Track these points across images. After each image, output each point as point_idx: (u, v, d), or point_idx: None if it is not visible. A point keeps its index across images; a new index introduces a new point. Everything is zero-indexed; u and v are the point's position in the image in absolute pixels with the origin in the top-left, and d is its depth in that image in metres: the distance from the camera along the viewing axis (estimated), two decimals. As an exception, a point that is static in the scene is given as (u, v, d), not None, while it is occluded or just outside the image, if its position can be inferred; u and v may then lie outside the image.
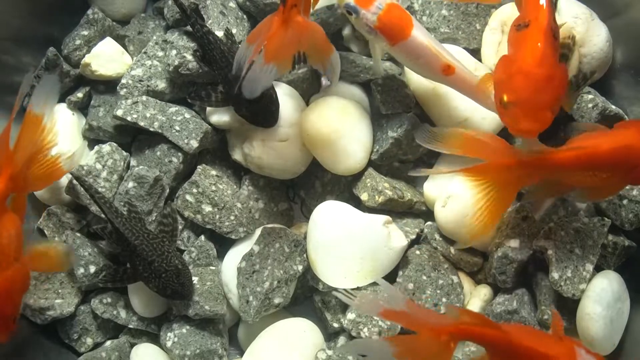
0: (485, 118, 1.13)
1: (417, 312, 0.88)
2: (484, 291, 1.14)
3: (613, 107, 1.13)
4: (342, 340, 1.12)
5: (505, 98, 0.89)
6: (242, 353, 1.15)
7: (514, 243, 1.10)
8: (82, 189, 1.11)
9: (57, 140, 1.05)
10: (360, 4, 0.99)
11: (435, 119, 1.18)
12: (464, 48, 1.19)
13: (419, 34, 0.99)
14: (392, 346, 0.88)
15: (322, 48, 0.98)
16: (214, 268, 1.15)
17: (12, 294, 0.96)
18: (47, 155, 1.05)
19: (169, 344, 1.11)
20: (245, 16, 1.22)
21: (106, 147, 1.16)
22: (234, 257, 1.14)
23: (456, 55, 1.14)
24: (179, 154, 1.15)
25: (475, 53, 1.19)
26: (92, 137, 1.21)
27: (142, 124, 1.14)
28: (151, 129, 1.14)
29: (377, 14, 0.98)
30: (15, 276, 0.96)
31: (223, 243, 1.18)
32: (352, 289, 1.10)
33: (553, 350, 0.85)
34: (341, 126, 1.12)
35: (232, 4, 1.21)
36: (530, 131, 0.89)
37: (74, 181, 1.12)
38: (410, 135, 1.15)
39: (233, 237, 1.15)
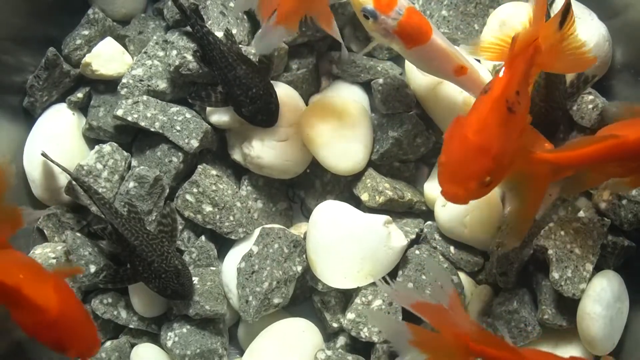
0: (485, 118, 1.14)
1: (451, 310, 0.87)
2: (484, 291, 1.14)
3: (614, 108, 1.13)
4: (341, 340, 1.13)
5: (441, 157, 0.88)
6: (242, 352, 1.15)
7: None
8: (81, 189, 1.10)
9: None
10: (380, 9, 0.98)
11: (435, 119, 1.18)
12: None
13: (437, 38, 1.00)
14: (411, 334, 0.88)
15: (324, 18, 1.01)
16: (214, 268, 1.15)
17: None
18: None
19: (169, 343, 1.11)
20: (245, 16, 1.22)
21: (107, 147, 1.16)
22: (234, 257, 1.14)
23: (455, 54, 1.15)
24: (179, 153, 1.15)
25: (475, 53, 1.19)
26: (92, 137, 1.20)
27: (142, 124, 1.14)
28: (152, 129, 1.14)
29: (397, 20, 0.98)
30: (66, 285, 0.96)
31: (223, 243, 1.18)
32: (355, 287, 1.11)
33: None
34: (341, 126, 1.13)
35: (232, 4, 1.21)
36: (452, 197, 0.86)
37: (73, 182, 1.11)
38: (410, 135, 1.15)
39: (233, 237, 1.15)
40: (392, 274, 1.12)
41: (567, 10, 0.85)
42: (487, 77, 1.08)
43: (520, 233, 1.02)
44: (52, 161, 1.11)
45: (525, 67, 0.89)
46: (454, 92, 1.13)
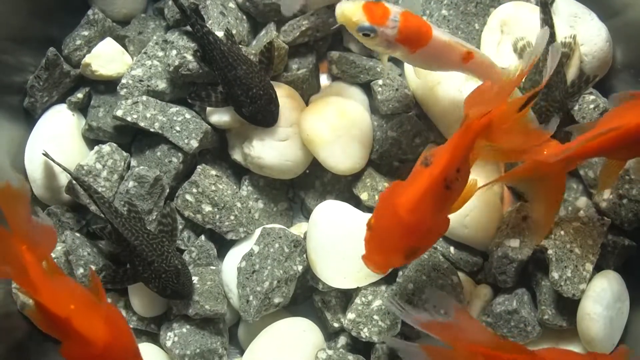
0: (485, 118, 1.14)
1: (461, 324, 0.87)
2: (484, 291, 1.14)
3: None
4: (342, 340, 1.13)
5: (371, 220, 0.89)
6: (242, 352, 1.15)
7: (514, 243, 1.10)
8: (81, 188, 1.11)
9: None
10: (376, 22, 0.95)
11: (435, 119, 1.18)
12: (464, 48, 1.19)
13: (438, 33, 0.99)
14: (426, 356, 0.89)
15: None
16: (214, 268, 1.15)
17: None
18: None
19: (169, 343, 1.11)
20: (244, 17, 1.22)
21: (106, 148, 1.16)
22: (235, 257, 1.14)
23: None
24: (179, 154, 1.16)
25: (475, 53, 1.19)
26: (92, 138, 1.21)
27: (142, 124, 1.14)
28: (152, 130, 1.14)
29: (396, 27, 0.95)
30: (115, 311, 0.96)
31: (223, 243, 1.18)
32: (354, 288, 1.11)
33: None
34: (341, 126, 1.13)
35: (232, 5, 1.21)
36: (374, 265, 0.87)
37: (74, 181, 1.12)
38: (409, 135, 1.15)
39: (233, 237, 1.15)
40: (393, 274, 1.12)
41: (531, 98, 0.87)
42: (491, 57, 1.08)
43: (545, 230, 1.04)
44: (53, 160, 1.11)
45: (471, 144, 0.89)
46: (453, 93, 1.13)
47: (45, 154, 1.11)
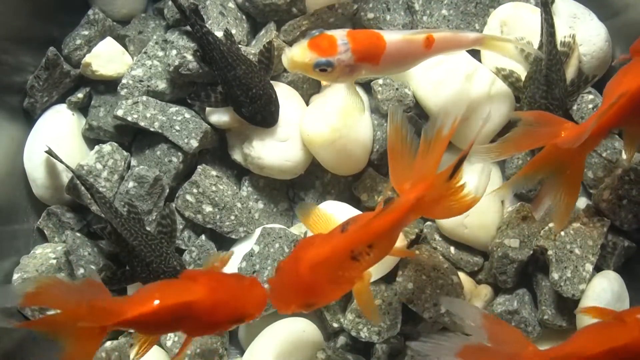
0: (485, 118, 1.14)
1: (496, 337, 0.86)
2: (485, 291, 1.14)
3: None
4: (341, 340, 1.13)
5: (280, 264, 0.89)
6: (242, 352, 1.15)
7: (514, 243, 1.10)
8: (82, 188, 1.11)
9: None
10: (328, 54, 0.93)
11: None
12: (464, 48, 1.19)
13: (390, 36, 0.98)
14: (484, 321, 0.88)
15: None
16: (214, 268, 1.15)
17: None
18: None
19: (169, 343, 1.11)
20: (244, 17, 1.22)
21: (106, 147, 1.16)
22: (235, 257, 1.14)
23: (456, 55, 1.15)
24: (179, 153, 1.16)
25: (475, 53, 1.19)
26: (92, 137, 1.21)
27: (142, 124, 1.14)
28: (151, 129, 1.14)
29: (349, 49, 0.94)
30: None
31: (223, 243, 1.18)
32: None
33: None
34: (341, 126, 1.12)
35: (232, 5, 1.21)
36: (278, 308, 0.89)
37: (75, 180, 1.12)
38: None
39: (233, 236, 1.16)
40: (393, 274, 1.12)
41: (458, 164, 0.86)
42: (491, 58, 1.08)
43: (567, 215, 1.03)
44: (56, 157, 1.10)
45: (396, 224, 0.88)
46: (453, 93, 1.13)
47: (49, 151, 1.11)
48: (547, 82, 1.09)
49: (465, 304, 0.95)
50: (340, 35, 0.94)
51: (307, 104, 1.20)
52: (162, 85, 1.18)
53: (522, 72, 1.16)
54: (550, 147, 0.98)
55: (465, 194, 0.90)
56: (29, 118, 1.20)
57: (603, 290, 1.06)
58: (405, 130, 0.91)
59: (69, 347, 0.86)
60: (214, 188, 1.15)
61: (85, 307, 0.85)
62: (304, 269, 0.86)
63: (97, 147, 1.16)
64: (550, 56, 1.09)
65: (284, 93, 1.17)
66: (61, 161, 1.11)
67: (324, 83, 1.20)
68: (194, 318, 0.88)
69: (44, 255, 1.13)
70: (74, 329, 0.85)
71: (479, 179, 0.99)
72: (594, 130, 0.93)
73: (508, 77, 1.16)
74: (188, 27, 1.16)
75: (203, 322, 0.90)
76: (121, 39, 1.23)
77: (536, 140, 0.99)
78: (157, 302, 0.86)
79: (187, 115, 1.16)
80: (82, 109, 1.23)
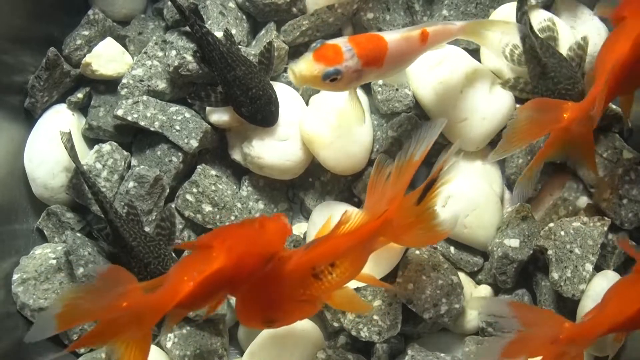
0: (485, 118, 1.14)
1: (529, 320, 0.87)
2: (485, 292, 1.14)
3: (614, 106, 1.13)
4: (342, 339, 1.12)
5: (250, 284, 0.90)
6: (242, 353, 1.15)
7: (514, 243, 1.10)
8: (82, 188, 1.10)
9: None
10: (335, 63, 0.93)
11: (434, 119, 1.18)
12: (464, 48, 1.19)
13: (390, 36, 0.98)
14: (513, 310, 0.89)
15: None
16: (214, 268, 1.15)
17: None
18: None
19: (168, 344, 1.11)
20: (244, 17, 1.22)
21: (106, 147, 1.16)
22: (234, 257, 1.14)
23: (455, 55, 1.15)
24: (179, 153, 1.16)
25: (475, 53, 1.20)
26: (92, 137, 1.21)
27: (142, 123, 1.15)
28: (151, 129, 1.15)
29: (354, 55, 0.94)
30: None
31: (223, 243, 1.18)
32: (354, 288, 1.11)
33: None
34: (341, 126, 1.12)
35: (232, 4, 1.21)
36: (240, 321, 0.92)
37: (74, 180, 1.12)
38: (409, 135, 1.14)
39: (233, 236, 1.15)
40: (393, 274, 1.12)
41: (428, 187, 0.86)
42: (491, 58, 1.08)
43: (592, 167, 1.05)
44: (67, 146, 1.09)
45: (355, 241, 0.89)
46: (453, 93, 1.13)
47: (68, 137, 1.10)
48: (550, 69, 1.08)
49: (491, 301, 0.94)
50: (342, 43, 0.94)
51: (307, 104, 1.20)
52: (162, 85, 1.19)
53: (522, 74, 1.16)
54: (556, 131, 0.97)
55: (436, 223, 0.91)
56: (29, 118, 1.20)
57: (603, 290, 1.04)
58: (388, 167, 0.95)
59: (126, 353, 0.85)
60: (213, 188, 1.15)
61: (123, 309, 0.83)
62: (265, 284, 0.86)
63: (96, 147, 1.16)
64: (538, 44, 1.09)
65: (284, 93, 1.17)
66: (70, 154, 1.09)
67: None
68: (228, 280, 0.86)
69: (44, 255, 1.13)
70: (123, 337, 0.84)
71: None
72: (598, 103, 0.93)
73: (516, 86, 1.16)
74: (187, 28, 1.16)
75: (239, 279, 0.86)
76: (121, 39, 1.23)
77: (542, 129, 0.98)
78: (191, 283, 0.83)
79: (187, 115, 1.16)
80: (82, 108, 1.23)
